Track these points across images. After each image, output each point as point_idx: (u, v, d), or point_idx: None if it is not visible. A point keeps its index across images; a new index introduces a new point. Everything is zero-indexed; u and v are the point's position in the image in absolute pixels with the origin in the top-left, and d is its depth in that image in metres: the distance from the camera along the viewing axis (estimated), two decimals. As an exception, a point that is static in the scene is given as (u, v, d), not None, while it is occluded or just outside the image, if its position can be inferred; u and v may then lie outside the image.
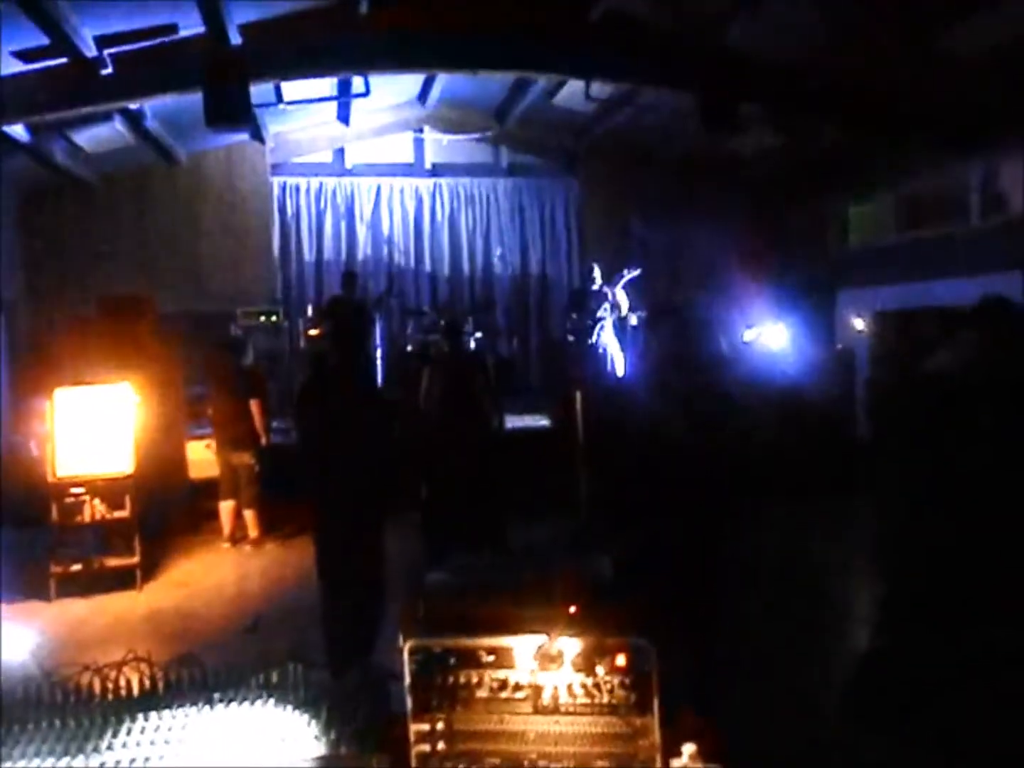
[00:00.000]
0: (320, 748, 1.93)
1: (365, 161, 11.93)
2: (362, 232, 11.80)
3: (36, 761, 1.88)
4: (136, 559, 6.67)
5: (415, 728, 1.87)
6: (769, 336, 9.43)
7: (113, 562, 6.65)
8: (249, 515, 7.51)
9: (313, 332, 9.55)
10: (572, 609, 1.83)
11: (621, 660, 1.78)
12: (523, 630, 1.82)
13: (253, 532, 7.56)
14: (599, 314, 9.55)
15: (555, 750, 1.83)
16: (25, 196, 10.08)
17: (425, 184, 12.03)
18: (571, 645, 1.79)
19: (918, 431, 3.45)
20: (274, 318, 10.30)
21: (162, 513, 7.48)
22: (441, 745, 1.87)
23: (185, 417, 8.35)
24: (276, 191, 11.56)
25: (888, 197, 10.36)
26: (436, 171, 12.10)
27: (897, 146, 8.72)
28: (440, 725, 1.87)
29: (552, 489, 6.76)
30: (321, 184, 11.72)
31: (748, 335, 9.51)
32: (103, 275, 10.15)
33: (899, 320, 9.24)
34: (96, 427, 6.60)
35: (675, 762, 1.73)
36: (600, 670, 1.78)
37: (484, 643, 1.84)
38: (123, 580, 6.59)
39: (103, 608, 6.21)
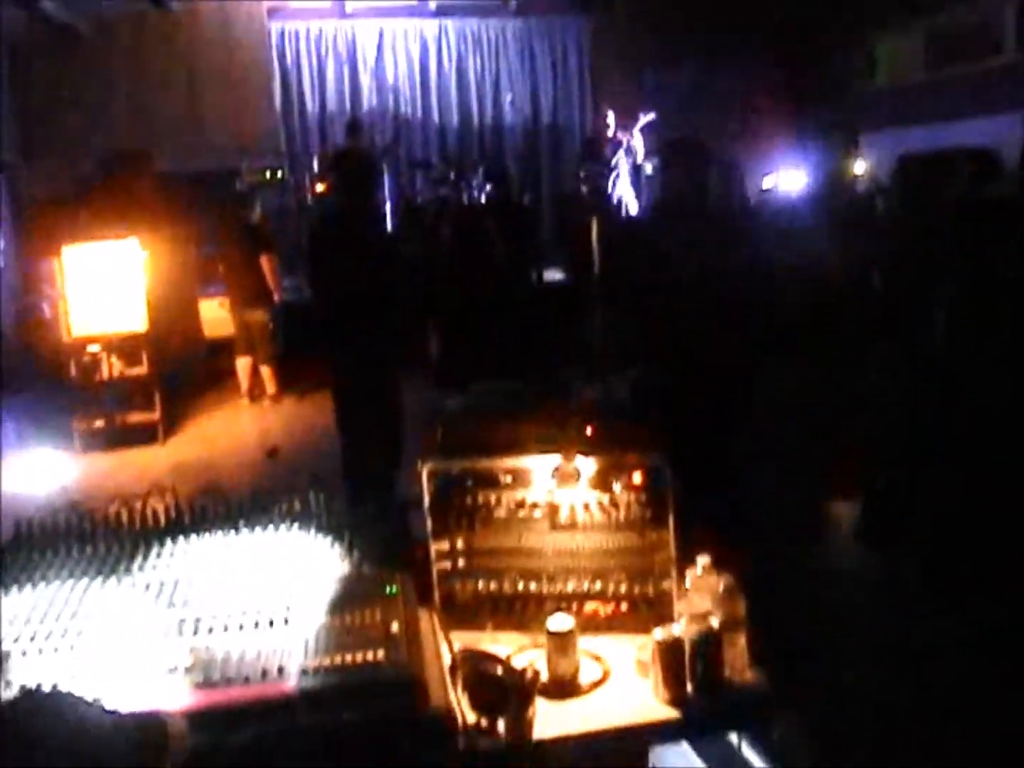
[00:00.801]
0: (343, 569, 1.98)
1: (366, 4, 11.30)
2: (366, 80, 11.31)
3: (71, 583, 1.95)
4: (157, 415, 6.80)
5: (435, 547, 1.92)
6: (788, 182, 9.13)
7: (135, 418, 6.78)
8: (266, 372, 7.58)
9: (320, 187, 9.33)
10: (588, 430, 1.83)
11: (637, 478, 1.80)
12: (540, 451, 1.83)
13: (270, 389, 7.64)
14: (613, 162, 9.25)
15: (573, 565, 1.88)
16: (14, 51, 9.66)
17: (430, 26, 11.41)
18: (588, 464, 1.79)
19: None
20: (280, 174, 10.04)
21: (180, 372, 7.55)
22: (461, 563, 1.92)
23: (197, 276, 8.29)
24: (274, 38, 11.02)
25: (917, 31, 9.78)
26: (442, 11, 11.43)
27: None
28: (460, 544, 1.91)
29: (569, 341, 6.73)
30: (321, 29, 11.15)
31: (767, 181, 9.21)
32: (101, 131, 9.84)
33: (923, 164, 8.91)
34: (107, 285, 6.58)
35: (690, 572, 1.77)
36: (617, 487, 1.80)
37: (502, 464, 1.86)
38: (146, 435, 6.74)
39: (128, 461, 6.38)
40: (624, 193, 9.31)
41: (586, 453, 1.79)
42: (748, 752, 2.07)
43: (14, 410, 6.21)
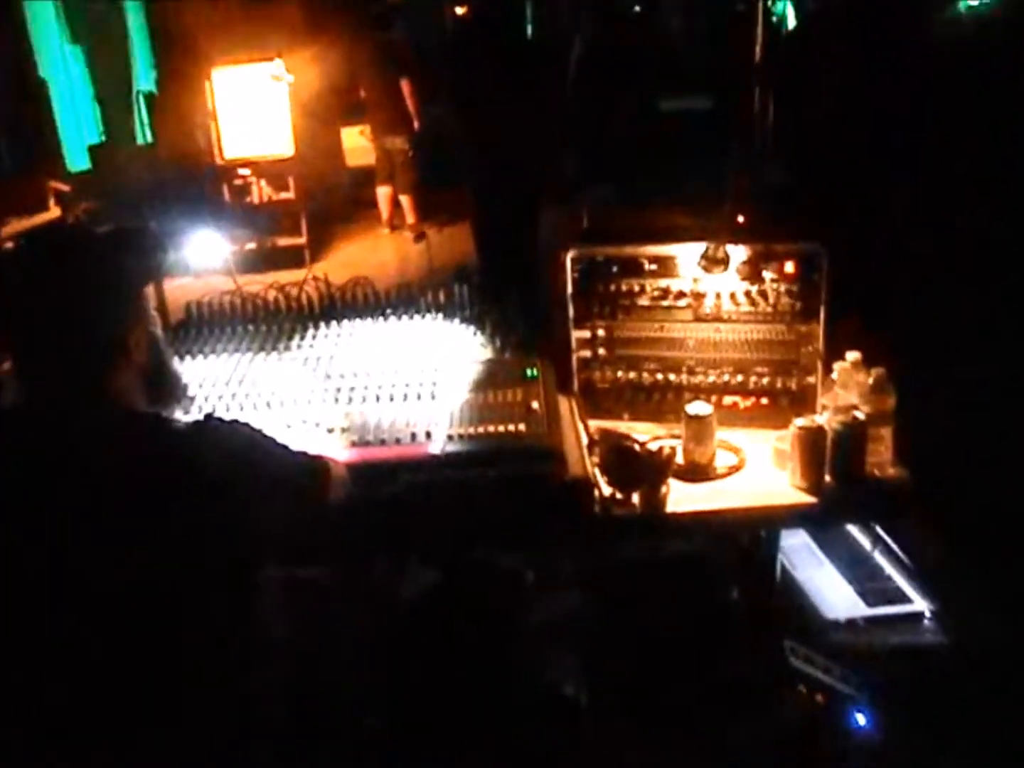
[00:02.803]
0: (486, 354, 2.05)
1: None
2: None
3: (237, 355, 2.10)
4: (304, 239, 7.03)
5: (576, 335, 1.94)
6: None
7: (283, 242, 7.04)
8: (406, 201, 7.63)
9: (460, 10, 9.00)
10: (741, 217, 1.76)
11: (790, 266, 1.73)
12: (689, 238, 1.79)
13: (410, 218, 7.72)
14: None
15: (715, 356, 1.86)
16: None
17: None
18: (738, 251, 1.74)
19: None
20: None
21: (323, 199, 7.72)
22: (601, 351, 1.94)
23: (339, 102, 8.30)
24: None
25: None
26: None
27: None
28: (600, 332, 1.92)
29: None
30: None
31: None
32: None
33: None
34: (255, 108, 6.70)
35: (838, 366, 1.72)
36: (767, 276, 1.74)
37: (647, 251, 1.83)
38: (293, 259, 7.00)
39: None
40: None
41: (737, 241, 1.73)
42: (878, 553, 2.08)
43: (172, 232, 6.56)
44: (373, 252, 7.50)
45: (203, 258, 2.25)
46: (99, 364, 1.22)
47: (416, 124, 7.38)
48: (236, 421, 1.31)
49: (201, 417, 1.29)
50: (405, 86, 7.14)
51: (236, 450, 1.25)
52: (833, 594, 2.07)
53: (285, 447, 1.37)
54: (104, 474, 1.17)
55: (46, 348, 1.20)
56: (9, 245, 5.13)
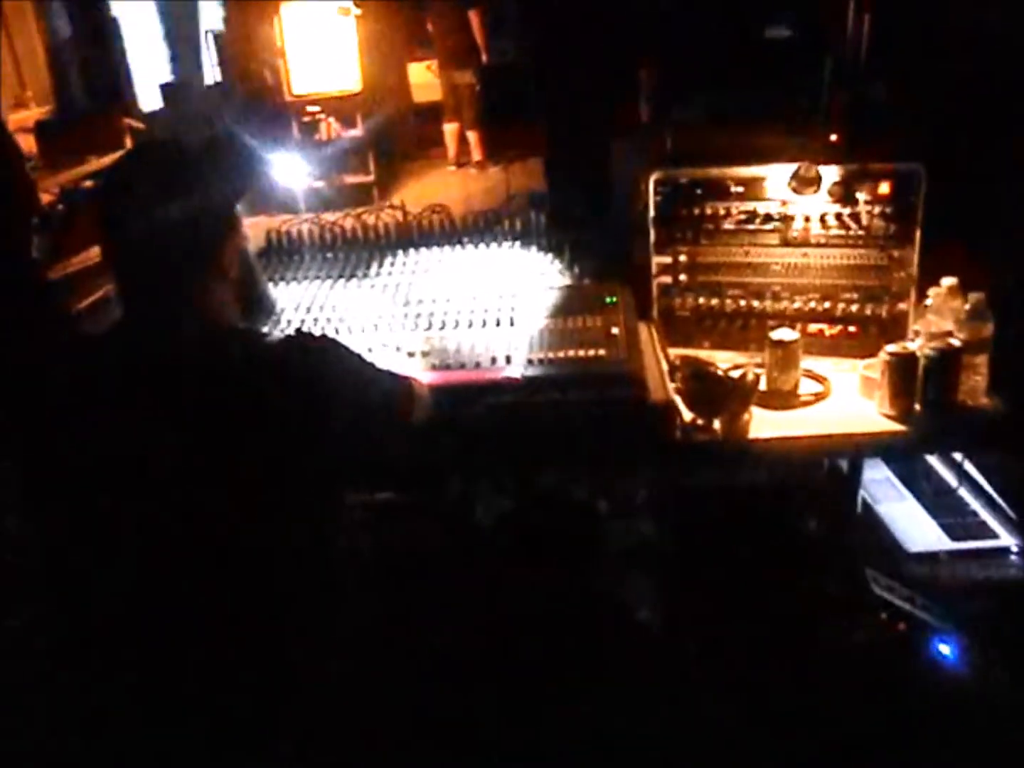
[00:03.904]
0: (564, 281, 2.03)
1: None
2: None
3: (317, 282, 2.12)
4: (372, 177, 7.04)
5: (657, 260, 1.91)
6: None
7: (351, 179, 7.05)
8: (473, 137, 7.57)
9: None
10: (834, 136, 1.70)
11: (885, 188, 1.67)
12: (778, 159, 1.73)
13: (477, 154, 7.66)
14: None
15: (801, 282, 1.82)
16: None
17: None
18: (831, 171, 1.68)
19: None
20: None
21: (390, 136, 7.69)
22: (683, 277, 1.91)
23: (406, 36, 8.21)
24: None
25: None
26: None
27: None
28: (683, 257, 1.89)
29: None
30: None
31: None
32: None
33: None
34: (323, 44, 6.67)
35: (932, 292, 1.66)
36: (860, 197, 1.68)
37: (733, 173, 1.78)
38: (361, 197, 7.02)
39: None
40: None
41: (830, 160, 1.67)
42: (963, 488, 2.02)
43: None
44: (440, 189, 7.47)
45: (273, 195, 2.27)
46: (195, 280, 1.25)
47: (485, 57, 7.27)
48: (326, 336, 1.33)
49: (293, 332, 1.32)
50: (473, 18, 7.02)
51: (328, 364, 1.27)
52: (916, 528, 2.03)
53: (372, 364, 1.39)
54: (202, 387, 1.20)
55: (145, 264, 1.23)
56: (88, 183, 5.27)
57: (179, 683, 1.21)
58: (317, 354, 1.29)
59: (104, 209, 1.25)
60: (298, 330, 1.38)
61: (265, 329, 1.42)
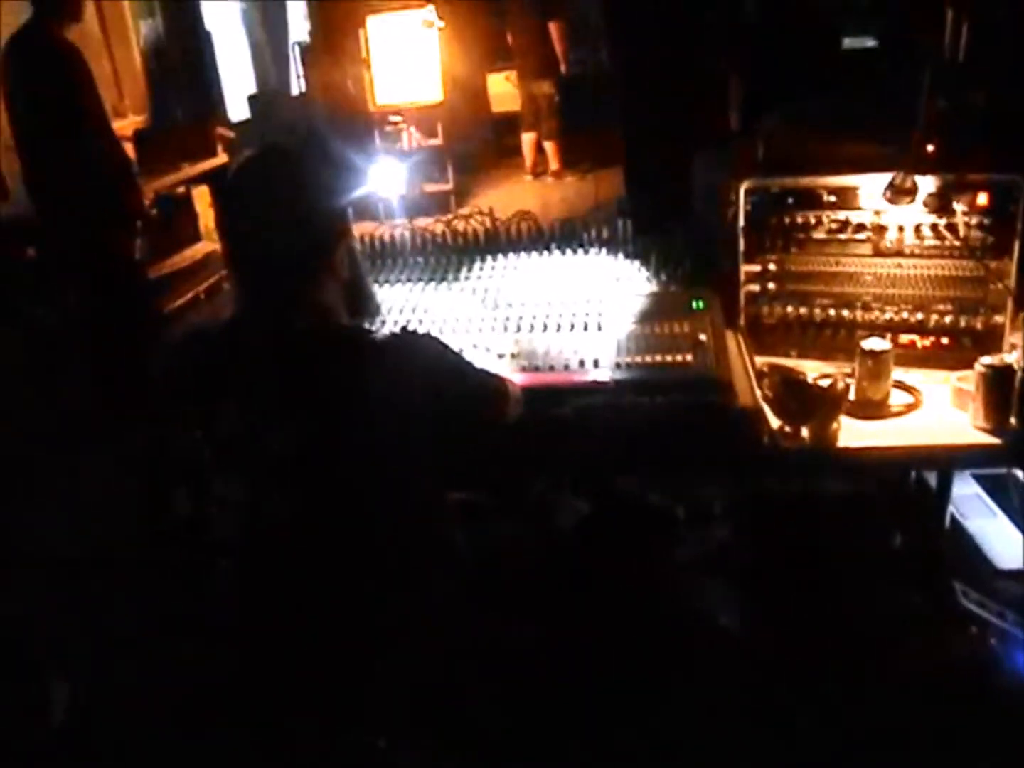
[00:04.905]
0: (651, 287, 2.06)
1: None
2: None
3: (408, 284, 2.20)
4: (450, 186, 7.16)
5: (746, 269, 1.92)
6: None
7: (430, 188, 7.18)
8: (550, 147, 7.62)
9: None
10: (931, 147, 1.69)
11: (983, 198, 1.65)
12: (873, 168, 1.73)
13: (554, 165, 7.71)
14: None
15: (893, 292, 1.81)
16: None
17: None
18: (927, 181, 1.67)
19: None
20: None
21: (468, 146, 7.81)
22: (771, 286, 1.91)
23: (485, 47, 8.33)
24: None
25: None
26: None
27: None
28: (772, 266, 1.90)
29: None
30: None
31: None
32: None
33: None
34: (407, 55, 6.81)
35: (1031, 305, 1.64)
36: (957, 208, 1.67)
37: (827, 182, 1.78)
38: (440, 206, 7.14)
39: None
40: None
41: (926, 171, 1.67)
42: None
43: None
44: (518, 198, 7.55)
45: (358, 203, 2.34)
46: (310, 279, 1.32)
47: (564, 68, 7.33)
48: (430, 335, 1.39)
49: (398, 330, 1.38)
50: (554, 30, 7.09)
51: (433, 359, 1.32)
52: (1006, 544, 1.99)
53: (471, 363, 1.44)
54: (315, 378, 1.27)
55: (264, 263, 1.30)
56: (181, 189, 5.48)
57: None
58: (423, 350, 1.34)
59: (227, 209, 1.33)
60: (404, 327, 1.44)
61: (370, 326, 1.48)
